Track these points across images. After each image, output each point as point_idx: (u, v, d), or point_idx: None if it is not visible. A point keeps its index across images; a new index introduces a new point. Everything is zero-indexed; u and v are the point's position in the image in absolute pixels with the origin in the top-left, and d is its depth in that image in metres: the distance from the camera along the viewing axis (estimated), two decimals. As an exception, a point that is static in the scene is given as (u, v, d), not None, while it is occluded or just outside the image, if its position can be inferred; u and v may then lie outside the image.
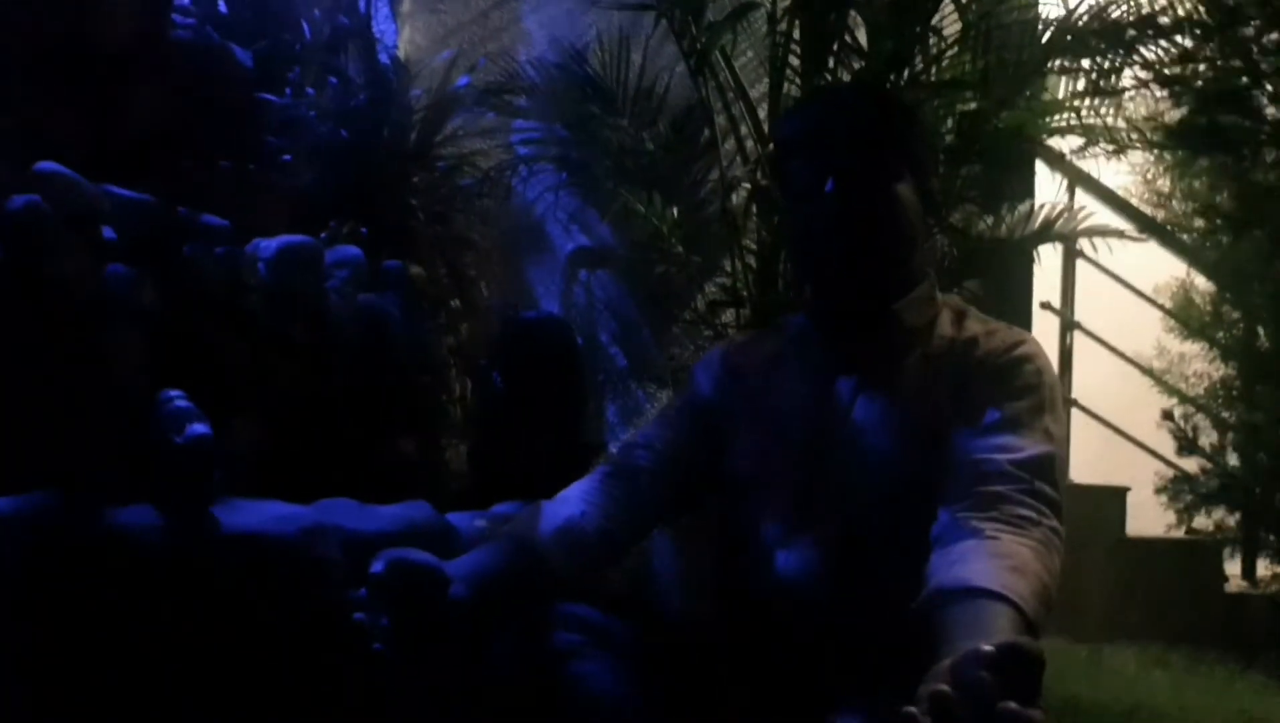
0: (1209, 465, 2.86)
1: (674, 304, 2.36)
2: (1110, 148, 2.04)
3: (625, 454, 1.20)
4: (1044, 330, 3.20)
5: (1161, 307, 3.10)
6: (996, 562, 0.88)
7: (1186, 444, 2.67)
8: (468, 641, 0.97)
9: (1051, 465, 1.00)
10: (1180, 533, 3.11)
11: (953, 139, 2.16)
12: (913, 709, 0.67)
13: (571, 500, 1.14)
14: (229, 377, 1.23)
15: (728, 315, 2.29)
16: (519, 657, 0.97)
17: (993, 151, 2.21)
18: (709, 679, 1.05)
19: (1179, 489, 2.85)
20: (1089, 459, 2.99)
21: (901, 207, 1.10)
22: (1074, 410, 3.21)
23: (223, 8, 2.08)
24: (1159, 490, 2.82)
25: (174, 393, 0.99)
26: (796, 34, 2.11)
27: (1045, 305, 3.21)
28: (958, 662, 0.70)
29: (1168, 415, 2.75)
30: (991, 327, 1.13)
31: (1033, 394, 1.05)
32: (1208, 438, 2.87)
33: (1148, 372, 2.93)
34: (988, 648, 0.69)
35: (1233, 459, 2.64)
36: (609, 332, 2.53)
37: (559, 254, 2.59)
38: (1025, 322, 3.01)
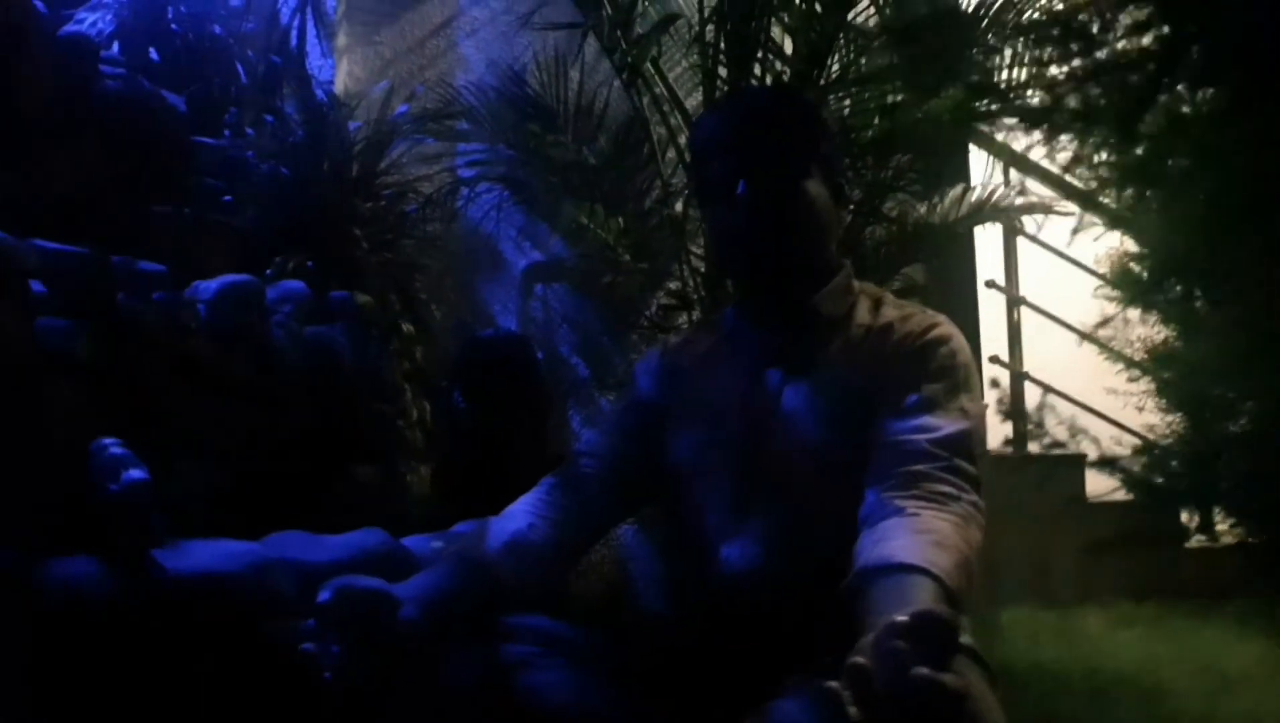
0: (1167, 428, 2.93)
1: (629, 311, 2.40)
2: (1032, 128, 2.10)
3: (571, 463, 1.24)
4: (990, 308, 3.27)
5: (1099, 275, 3.19)
6: (918, 538, 0.92)
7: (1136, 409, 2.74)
8: (422, 660, 0.99)
9: (969, 442, 1.04)
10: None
11: (879, 131, 2.21)
12: (834, 683, 0.71)
13: (518, 514, 1.16)
14: (174, 421, 1.24)
15: (681, 318, 2.33)
16: (473, 672, 1.00)
17: (922, 140, 2.27)
18: (663, 675, 1.08)
19: (1135, 459, 2.92)
20: (1046, 429, 3.06)
21: (812, 203, 1.14)
22: (1027, 383, 3.28)
23: (154, 56, 2.09)
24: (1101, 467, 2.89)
25: (108, 441, 1.01)
26: (723, 43, 2.16)
27: (990, 284, 3.28)
28: (878, 634, 0.74)
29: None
30: (907, 311, 1.18)
31: (949, 375, 1.09)
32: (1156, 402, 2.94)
33: (1092, 340, 3.01)
34: (901, 618, 0.73)
35: (1178, 419, 2.72)
36: (568, 343, 2.56)
37: (513, 271, 2.62)
38: (971, 300, 3.08)
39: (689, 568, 1.17)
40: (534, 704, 0.96)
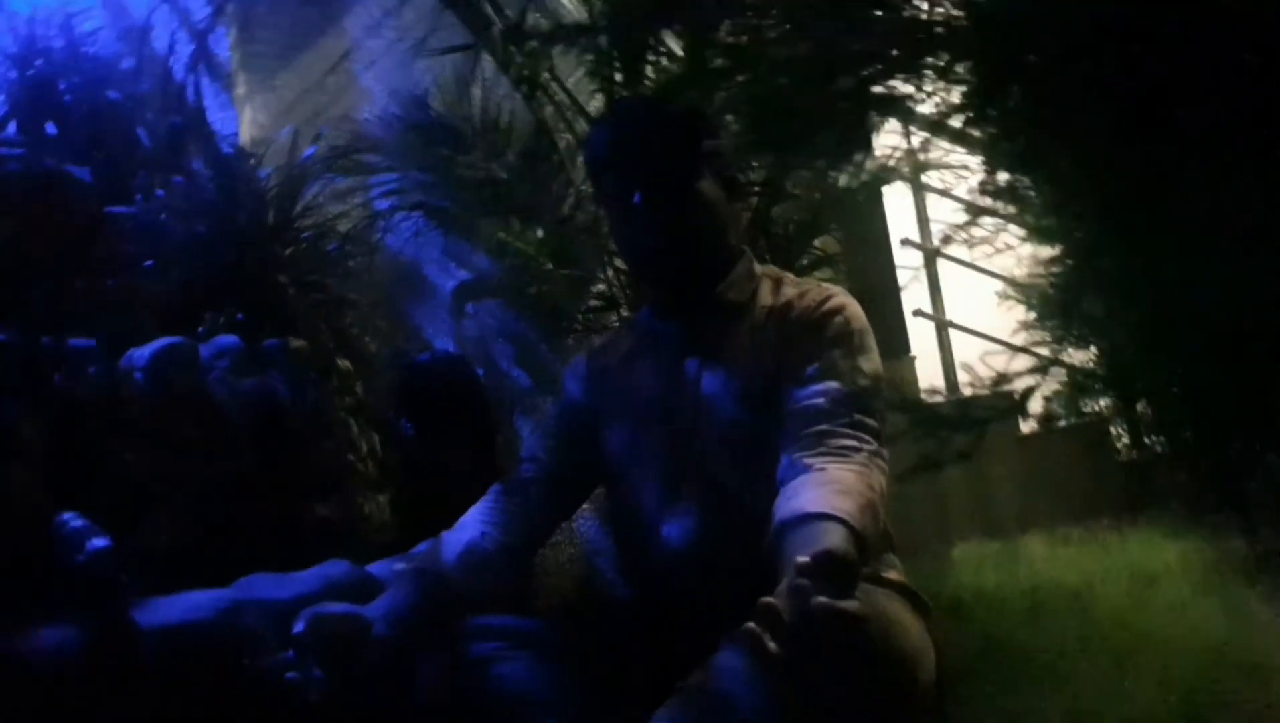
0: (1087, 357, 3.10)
1: (560, 318, 2.47)
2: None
3: (515, 470, 1.32)
4: (910, 264, 3.41)
5: (1001, 214, 3.34)
6: (824, 489, 1.02)
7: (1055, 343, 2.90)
8: (396, 671, 1.07)
9: (867, 398, 1.15)
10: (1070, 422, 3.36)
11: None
12: (751, 624, 0.81)
13: (470, 525, 1.24)
14: (126, 487, 1.29)
15: (612, 317, 2.40)
16: (445, 674, 1.08)
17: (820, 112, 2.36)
18: (620, 652, 1.17)
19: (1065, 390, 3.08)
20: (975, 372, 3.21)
21: (705, 203, 1.24)
22: (952, 331, 3.44)
23: (52, 130, 2.10)
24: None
25: (68, 516, 1.06)
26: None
27: (906, 241, 3.42)
28: (789, 578, 0.84)
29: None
30: (804, 288, 1.28)
31: (844, 341, 1.20)
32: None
33: (1005, 279, 3.17)
34: (803, 559, 0.83)
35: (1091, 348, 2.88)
36: (506, 356, 2.62)
37: (442, 293, 2.67)
38: (888, 261, 3.21)
39: (634, 552, 1.26)
40: (502, 694, 1.04)
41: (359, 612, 1.10)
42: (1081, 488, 3.17)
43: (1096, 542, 2.49)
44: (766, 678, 0.84)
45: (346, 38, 2.90)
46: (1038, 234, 1.13)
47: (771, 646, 0.79)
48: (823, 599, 0.78)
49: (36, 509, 1.08)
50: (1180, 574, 1.96)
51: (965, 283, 3.55)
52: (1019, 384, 1.09)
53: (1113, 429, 3.42)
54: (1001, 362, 1.15)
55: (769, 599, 0.80)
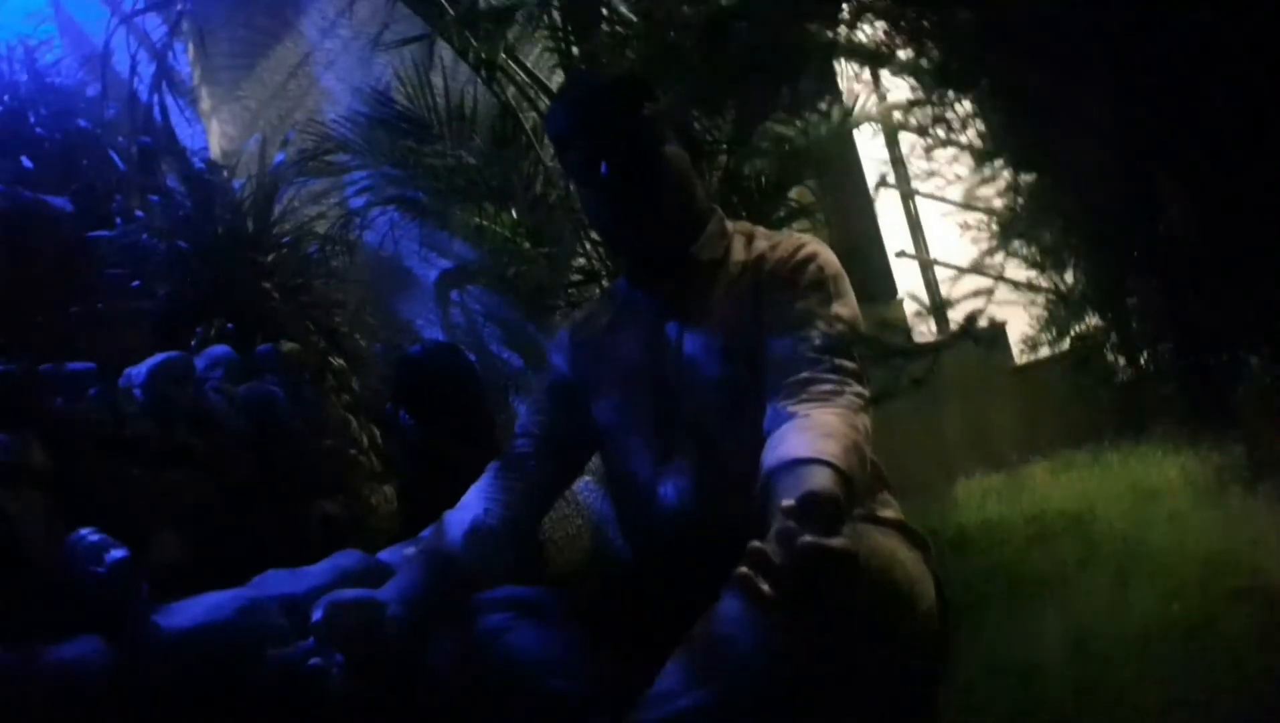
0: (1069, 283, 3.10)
1: (544, 296, 2.49)
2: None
3: (510, 447, 1.35)
4: (889, 205, 3.42)
5: (970, 148, 3.33)
6: (808, 434, 1.05)
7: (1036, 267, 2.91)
8: (412, 649, 1.11)
9: (845, 343, 1.17)
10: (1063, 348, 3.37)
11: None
12: (743, 569, 0.84)
13: (471, 503, 1.27)
14: (136, 502, 1.32)
15: (594, 291, 2.42)
16: (458, 649, 1.11)
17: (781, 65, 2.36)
18: (626, 613, 1.21)
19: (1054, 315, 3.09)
20: (964, 308, 3.23)
21: (671, 167, 1.25)
22: (936, 268, 3.45)
23: (28, 164, 2.12)
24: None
25: (85, 532, 1.09)
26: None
27: (882, 182, 3.42)
28: (776, 522, 0.87)
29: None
30: (775, 240, 1.30)
31: (819, 288, 1.21)
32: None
33: (983, 210, 3.17)
34: (788, 502, 0.86)
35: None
36: (496, 339, 2.64)
37: (426, 284, 2.69)
38: (866, 205, 3.22)
39: (634, 514, 1.29)
40: (515, 662, 1.08)
41: (373, 596, 1.13)
42: (1080, 413, 3.18)
43: (1098, 464, 2.51)
44: (763, 619, 0.87)
45: (303, 41, 2.90)
46: (987, 159, 1.14)
47: (764, 587, 0.82)
48: (809, 538, 0.81)
49: (50, 531, 1.12)
50: (1182, 488, 1.98)
51: (946, 220, 3.57)
52: (966, 309, 1.11)
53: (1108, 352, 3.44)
54: (946, 288, 1.17)
55: (757, 543, 0.83)
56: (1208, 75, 0.85)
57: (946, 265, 3.43)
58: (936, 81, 1.11)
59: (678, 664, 0.99)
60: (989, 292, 1.04)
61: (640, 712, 0.98)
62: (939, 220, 3.53)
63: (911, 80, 1.32)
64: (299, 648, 1.07)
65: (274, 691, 1.07)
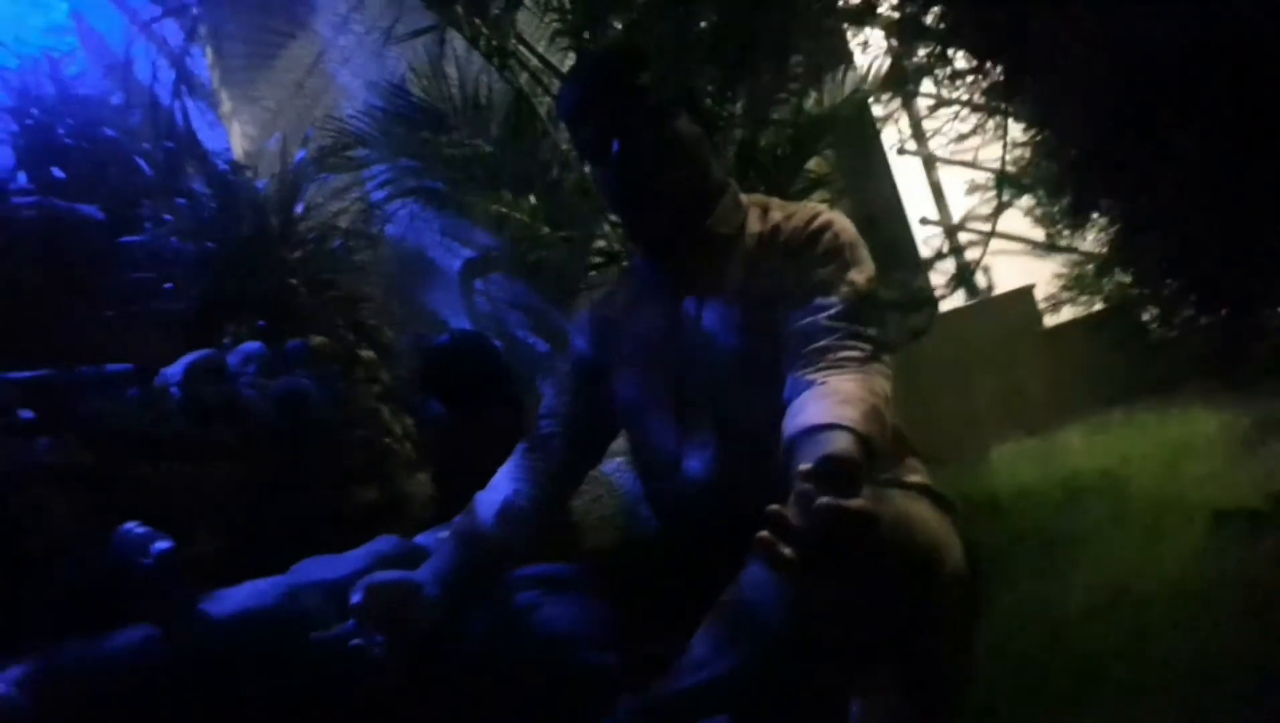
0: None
1: (566, 280, 2.50)
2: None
3: (536, 428, 1.37)
4: (909, 173, 3.38)
5: (971, 104, 3.27)
6: (827, 401, 1.06)
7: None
8: (449, 627, 1.14)
9: (862, 310, 1.18)
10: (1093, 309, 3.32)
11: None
12: (764, 533, 0.85)
13: (501, 485, 1.30)
14: (177, 497, 1.37)
15: (614, 272, 2.43)
16: (494, 624, 1.15)
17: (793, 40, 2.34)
18: (659, 586, 1.23)
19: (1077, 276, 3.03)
20: (990, 272, 3.19)
21: (683, 142, 1.26)
22: (961, 234, 3.41)
23: (58, 174, 2.17)
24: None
25: (130, 525, 1.14)
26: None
27: (902, 150, 3.38)
28: (795, 486, 0.88)
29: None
30: (790, 210, 1.30)
31: (834, 257, 1.22)
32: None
33: (1001, 174, 3.12)
34: (805, 466, 0.87)
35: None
36: (521, 325, 2.67)
37: (450, 274, 2.72)
38: (885, 173, 3.18)
39: (661, 488, 1.31)
40: (547, 635, 1.11)
41: (410, 577, 1.17)
42: (1113, 373, 3.14)
43: (1132, 425, 2.48)
44: (786, 582, 0.89)
45: (318, 39, 2.93)
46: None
47: (786, 550, 0.83)
48: (826, 500, 0.82)
49: (95, 527, 1.17)
50: (1217, 444, 1.96)
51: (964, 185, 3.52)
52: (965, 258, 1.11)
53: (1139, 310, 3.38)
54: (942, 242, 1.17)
55: (775, 507, 0.84)
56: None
57: (969, 230, 3.39)
58: (917, 36, 1.10)
59: (707, 632, 1.01)
60: (984, 242, 1.03)
61: (672, 681, 1.00)
62: (961, 185, 3.49)
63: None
64: (340, 630, 1.10)
65: (318, 672, 1.11)
